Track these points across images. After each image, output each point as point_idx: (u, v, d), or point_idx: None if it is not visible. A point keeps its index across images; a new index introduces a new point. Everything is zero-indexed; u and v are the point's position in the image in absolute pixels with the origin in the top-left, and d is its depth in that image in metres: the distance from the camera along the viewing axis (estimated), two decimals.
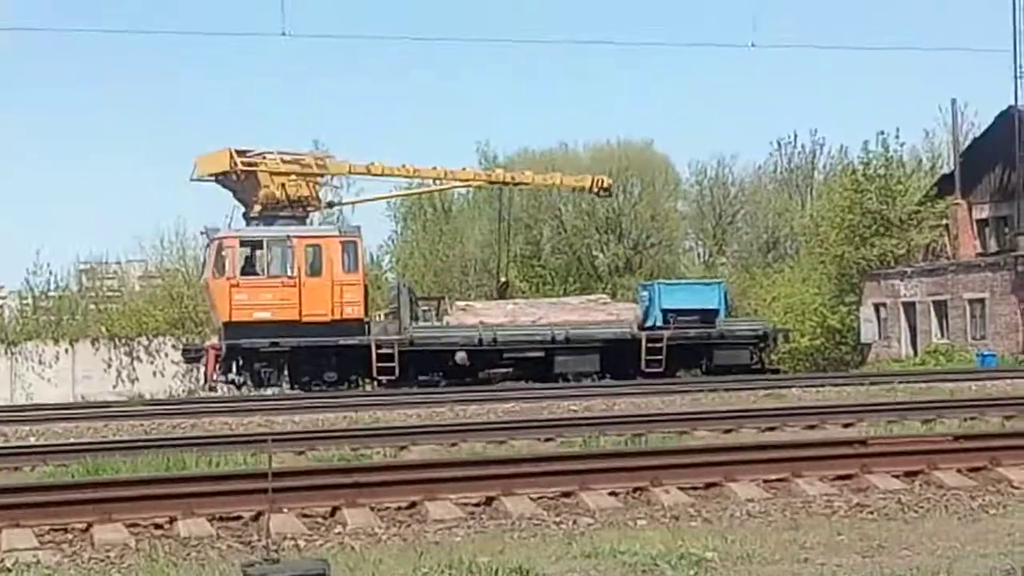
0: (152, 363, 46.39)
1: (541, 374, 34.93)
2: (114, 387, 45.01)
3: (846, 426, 18.94)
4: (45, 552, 9.83)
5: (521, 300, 41.67)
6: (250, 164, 35.06)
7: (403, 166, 38.70)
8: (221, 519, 10.78)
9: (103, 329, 48.79)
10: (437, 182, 41.87)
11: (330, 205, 42.24)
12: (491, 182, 43.40)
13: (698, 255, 66.13)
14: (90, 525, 10.50)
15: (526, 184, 43.61)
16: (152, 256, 57.53)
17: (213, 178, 35.61)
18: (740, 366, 36.05)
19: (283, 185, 35.11)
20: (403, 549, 9.61)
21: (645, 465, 12.37)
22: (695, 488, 11.95)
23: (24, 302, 54.59)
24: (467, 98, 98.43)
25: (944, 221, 49.79)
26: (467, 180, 42.74)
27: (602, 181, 41.94)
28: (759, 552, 8.97)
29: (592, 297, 41.11)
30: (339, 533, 10.46)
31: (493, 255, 54.33)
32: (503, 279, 42.70)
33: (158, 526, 10.66)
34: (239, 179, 35.14)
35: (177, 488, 11.42)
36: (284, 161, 35.66)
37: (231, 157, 34.85)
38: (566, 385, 32.73)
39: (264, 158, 35.40)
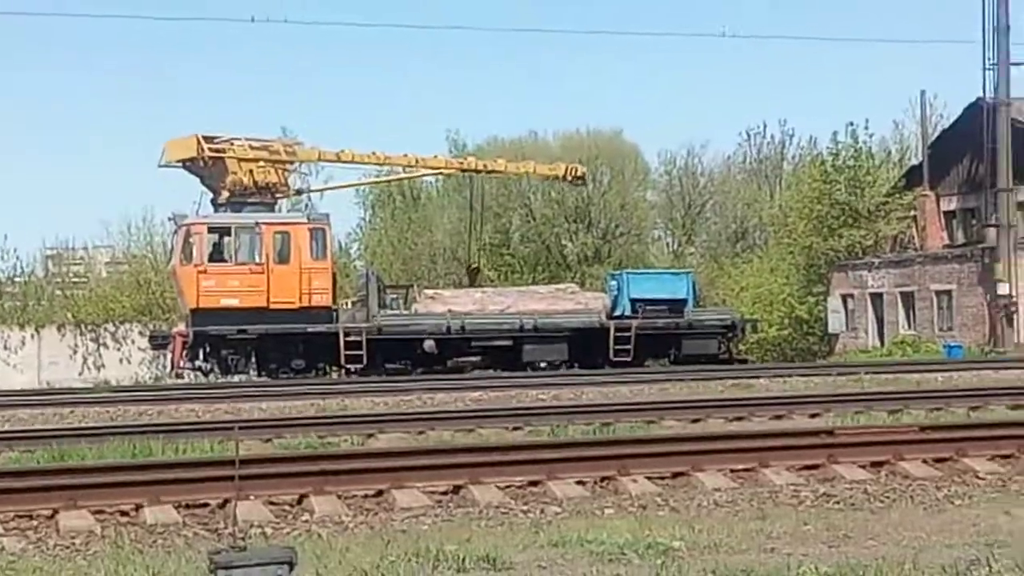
0: (119, 350, 46.19)
1: (509, 363, 34.94)
2: (80, 374, 44.82)
3: (813, 416, 18.98)
4: (10, 539, 9.79)
5: (490, 288, 41.65)
6: (218, 150, 34.90)
7: (373, 153, 38.60)
8: (187, 506, 10.75)
9: (69, 315, 48.57)
10: (407, 169, 41.77)
11: (299, 192, 42.11)
12: (463, 170, 43.29)
13: (667, 245, 66.23)
14: (55, 512, 10.46)
15: (499, 172, 43.53)
16: (119, 242, 57.33)
17: (181, 164, 35.44)
18: (708, 356, 36.13)
19: (251, 172, 34.98)
20: (370, 537, 9.60)
21: (613, 454, 12.39)
22: (662, 477, 11.97)
23: None
24: (436, 86, 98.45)
25: (912, 212, 50.04)
26: (438, 168, 42.63)
27: (575, 169, 41.88)
28: (726, 541, 8.99)
29: (561, 286, 41.08)
30: (306, 521, 10.45)
31: (462, 243, 54.26)
32: (474, 265, 42.67)
33: (124, 513, 10.62)
34: (206, 165, 34.98)
35: (143, 475, 11.38)
36: (252, 148, 35.52)
37: (198, 143, 34.69)
38: (534, 374, 32.74)
39: (232, 144, 35.25)
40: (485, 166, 42.16)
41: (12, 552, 9.33)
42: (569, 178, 42.07)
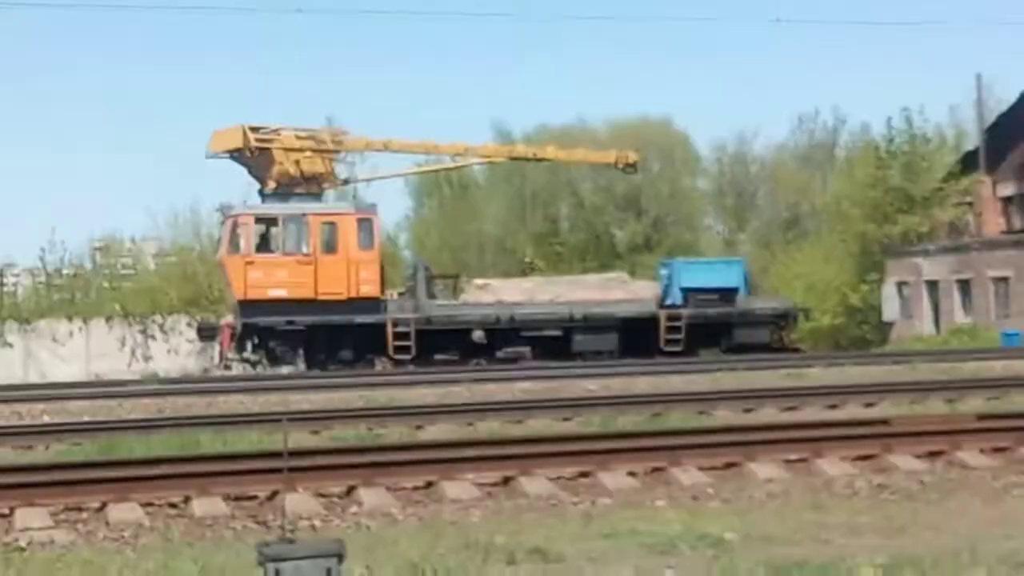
0: (167, 341, 46.37)
1: (559, 353, 34.85)
2: (128, 365, 45.04)
3: (868, 406, 18.82)
4: (59, 531, 9.83)
5: (539, 278, 41.58)
6: (264, 141, 34.99)
7: (423, 142, 38.53)
8: (236, 499, 10.77)
9: (117, 307, 48.83)
10: (456, 158, 41.69)
11: (346, 182, 42.14)
12: (513, 158, 43.15)
13: (718, 233, 66.07)
14: (104, 504, 10.51)
15: (549, 160, 43.31)
16: (167, 233, 57.65)
17: (227, 155, 35.56)
18: (760, 345, 35.95)
19: (297, 162, 35.05)
20: (419, 529, 9.59)
21: (664, 445, 12.33)
22: (714, 468, 11.91)
23: (38, 280, 54.69)
24: (483, 75, 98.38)
25: (968, 198, 49.55)
26: (488, 156, 42.50)
27: (627, 156, 41.36)
28: (779, 533, 8.92)
29: (611, 275, 40.99)
30: (355, 513, 10.44)
31: (510, 233, 54.33)
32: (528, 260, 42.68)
33: (173, 505, 10.67)
34: (252, 155, 35.06)
35: (192, 467, 11.41)
36: (299, 138, 35.60)
37: (244, 134, 34.79)
38: (584, 364, 32.64)
39: (279, 134, 35.33)
40: (534, 153, 41.99)
41: (62, 544, 9.37)
42: (621, 165, 41.74)
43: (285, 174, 34.84)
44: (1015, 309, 44.20)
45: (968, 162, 50.25)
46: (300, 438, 15.74)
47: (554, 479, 11.42)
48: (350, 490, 11.02)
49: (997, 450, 12.56)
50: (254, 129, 35.10)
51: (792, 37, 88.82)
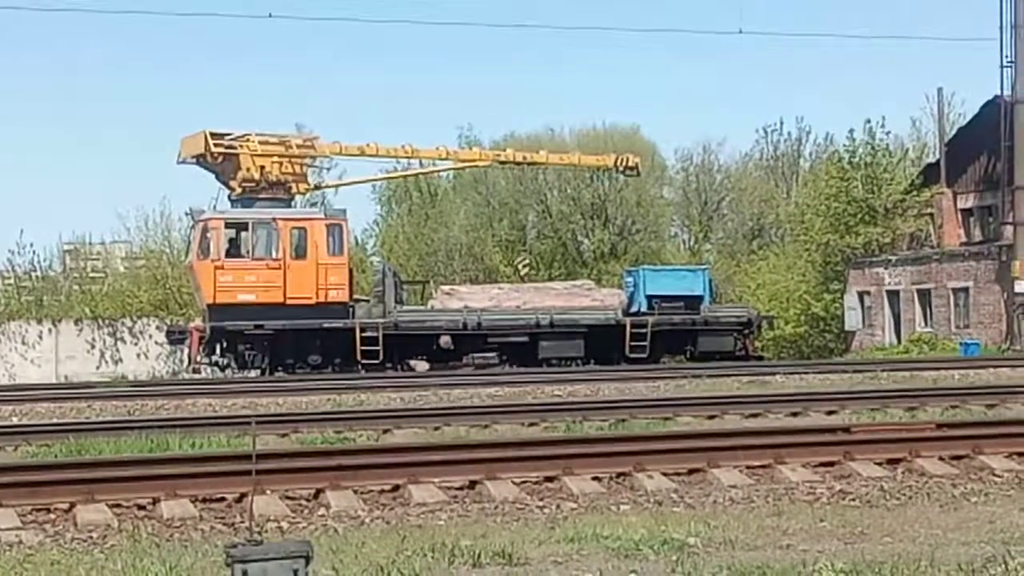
0: (136, 344, 46.20)
1: (525, 359, 34.94)
2: (97, 368, 44.85)
3: (829, 413, 18.98)
4: (27, 532, 9.81)
5: (506, 284, 41.60)
6: (227, 146, 34.88)
7: (403, 146, 38.18)
8: (204, 501, 10.76)
9: (87, 310, 48.60)
10: (437, 162, 41.31)
11: (317, 187, 42.06)
12: (501, 162, 42.74)
13: (683, 242, 66.10)
14: (73, 505, 10.48)
15: (541, 164, 42.81)
16: (137, 237, 57.25)
17: (194, 160, 35.49)
18: (724, 352, 36.12)
19: (262, 167, 34.94)
20: (386, 532, 9.61)
21: (629, 450, 12.38)
22: (678, 473, 11.96)
23: (7, 282, 54.31)
24: (448, 84, 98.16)
25: (929, 210, 49.87)
26: (472, 160, 42.05)
27: (627, 159, 41.00)
28: (741, 538, 8.98)
29: (577, 282, 41.10)
30: (322, 516, 10.45)
31: (478, 239, 54.27)
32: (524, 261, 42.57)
33: (141, 507, 10.64)
34: (215, 161, 34.95)
35: (160, 469, 11.41)
36: (267, 143, 35.49)
37: (206, 140, 34.68)
38: (550, 370, 32.74)
39: (248, 140, 35.23)
40: (525, 158, 41.55)
41: (30, 545, 9.34)
42: (620, 168, 41.34)
43: (250, 179, 34.77)
44: (975, 320, 44.56)
45: (929, 174, 50.56)
46: (268, 441, 15.81)
47: (520, 483, 11.46)
48: (318, 493, 11.05)
49: (956, 458, 12.65)
50: (216, 135, 34.99)
51: (757, 49, 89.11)
